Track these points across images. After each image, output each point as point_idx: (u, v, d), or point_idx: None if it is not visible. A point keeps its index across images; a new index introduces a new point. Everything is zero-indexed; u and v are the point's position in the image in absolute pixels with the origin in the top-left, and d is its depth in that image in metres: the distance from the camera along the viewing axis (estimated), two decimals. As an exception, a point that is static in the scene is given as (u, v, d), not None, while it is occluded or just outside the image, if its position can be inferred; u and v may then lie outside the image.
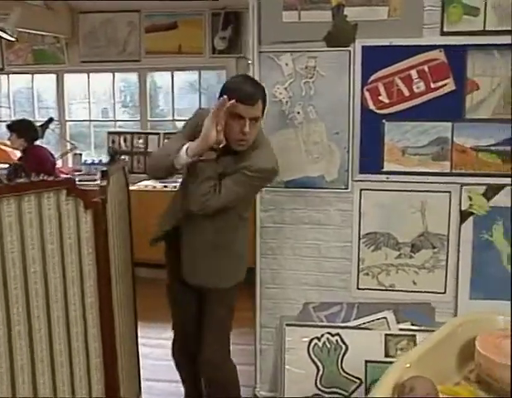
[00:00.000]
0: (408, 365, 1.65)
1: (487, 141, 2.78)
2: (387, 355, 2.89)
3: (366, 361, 2.99)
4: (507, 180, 2.80)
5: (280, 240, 3.06)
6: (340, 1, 2.77)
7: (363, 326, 3.03)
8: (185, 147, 2.27)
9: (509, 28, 2.69)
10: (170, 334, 2.88)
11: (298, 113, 2.93)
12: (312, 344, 3.05)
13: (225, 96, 2.18)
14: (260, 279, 3.11)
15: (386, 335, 2.94)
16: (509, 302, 2.86)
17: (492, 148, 2.78)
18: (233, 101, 2.18)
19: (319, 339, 3.05)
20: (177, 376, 2.95)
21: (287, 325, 3.05)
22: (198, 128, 2.30)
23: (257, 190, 2.70)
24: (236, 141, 2.32)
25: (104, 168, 2.58)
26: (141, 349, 3.24)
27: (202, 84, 6.13)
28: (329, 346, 3.04)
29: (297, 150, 2.97)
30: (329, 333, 3.04)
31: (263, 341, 3.17)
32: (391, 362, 2.10)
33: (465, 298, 2.93)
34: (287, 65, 2.90)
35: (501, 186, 2.81)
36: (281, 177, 2.96)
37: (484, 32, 2.72)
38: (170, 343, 2.89)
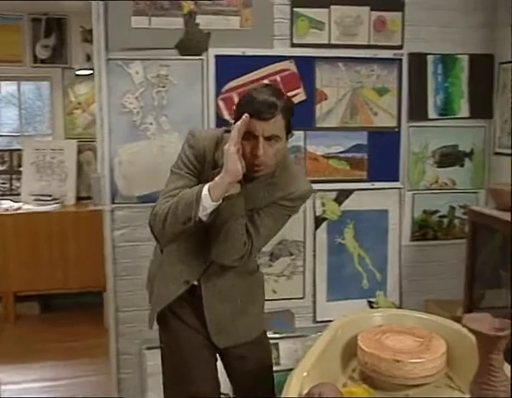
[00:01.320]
0: (305, 374, 1.62)
1: (336, 148, 2.93)
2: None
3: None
4: (355, 185, 2.97)
5: (136, 260, 2.86)
6: (191, 8, 2.70)
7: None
8: (205, 190, 1.70)
9: (351, 42, 2.88)
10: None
11: (151, 123, 2.78)
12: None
13: (247, 114, 1.68)
14: (115, 304, 2.88)
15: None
16: (364, 300, 3.10)
17: (341, 155, 2.93)
18: (246, 116, 1.68)
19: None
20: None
21: (148, 348, 2.86)
22: (209, 158, 1.85)
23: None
24: (248, 164, 1.75)
25: None
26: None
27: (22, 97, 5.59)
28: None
29: (150, 163, 2.81)
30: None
31: (123, 369, 2.92)
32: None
33: (322, 301, 3.03)
34: (137, 73, 2.73)
35: (350, 191, 2.97)
36: (133, 192, 2.79)
37: (329, 45, 2.87)
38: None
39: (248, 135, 1.71)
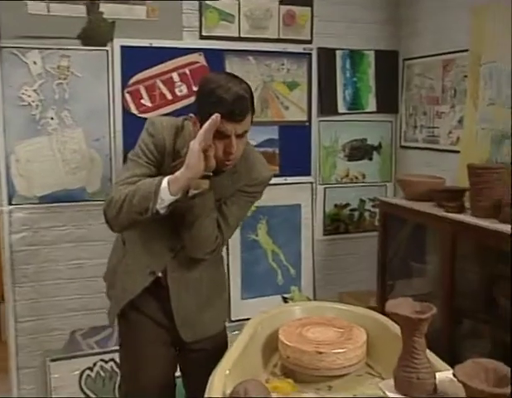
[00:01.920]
0: (227, 372, 1.56)
1: (251, 143, 2.86)
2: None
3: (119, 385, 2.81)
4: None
5: (37, 265, 2.66)
6: (94, -5, 2.55)
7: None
8: (164, 182, 1.64)
9: (261, 36, 2.86)
10: None
11: (52, 118, 2.60)
12: (84, 376, 2.74)
13: (218, 115, 1.58)
14: (15, 313, 2.65)
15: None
16: (279, 296, 3.08)
17: (255, 149, 2.88)
18: (216, 116, 1.59)
19: (91, 369, 2.76)
20: None
21: (52, 360, 2.67)
22: (169, 148, 1.77)
23: None
24: (220, 162, 1.71)
25: None
26: None
27: None
28: (103, 374, 2.77)
29: (51, 160, 2.62)
30: (102, 360, 2.78)
31: (24, 385, 2.70)
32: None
33: (237, 300, 2.97)
34: (35, 63, 2.54)
35: (264, 187, 2.94)
36: (33, 192, 2.60)
37: (239, 38, 2.83)
38: None
39: (219, 134, 1.65)
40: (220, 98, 1.62)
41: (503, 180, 2.08)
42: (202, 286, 1.96)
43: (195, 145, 1.61)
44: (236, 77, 1.73)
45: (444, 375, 1.42)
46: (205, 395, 1.48)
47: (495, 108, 2.45)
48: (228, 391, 1.46)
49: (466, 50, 2.62)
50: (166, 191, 1.64)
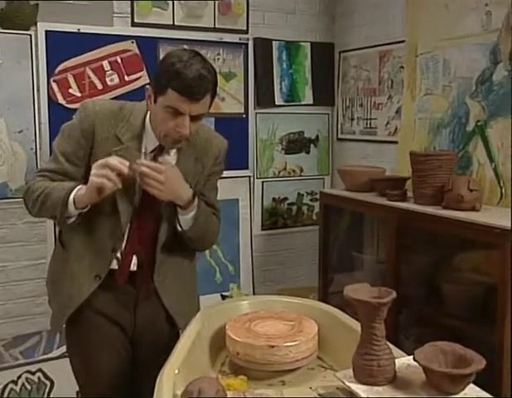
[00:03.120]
0: (176, 371, 1.45)
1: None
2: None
3: (77, 392, 2.63)
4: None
5: None
6: (12, -26, 2.36)
7: (70, 352, 2.65)
8: (71, 196, 1.59)
9: (197, 24, 2.77)
10: None
11: (-33, 108, 2.38)
12: (8, 390, 2.53)
13: (127, 164, 1.52)
14: None
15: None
16: (218, 294, 2.98)
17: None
18: (172, 92, 1.52)
19: (15, 382, 2.55)
20: None
21: None
22: (103, 134, 1.65)
23: None
24: (167, 137, 1.62)
25: None
26: None
27: None
28: (29, 387, 2.58)
29: (-32, 154, 2.40)
30: (28, 372, 2.58)
31: None
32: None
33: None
34: None
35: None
36: None
37: (173, 26, 2.72)
38: None
39: (173, 109, 1.56)
40: (179, 72, 1.52)
41: (444, 167, 2.10)
42: (185, 276, 1.91)
43: (104, 167, 1.52)
44: (202, 57, 1.61)
45: (400, 361, 1.39)
46: (155, 396, 1.37)
47: (432, 97, 2.48)
48: (178, 392, 1.36)
49: (403, 42, 2.65)
50: (72, 205, 1.60)
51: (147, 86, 1.63)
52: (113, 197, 1.65)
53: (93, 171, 1.55)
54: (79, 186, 1.62)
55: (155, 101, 1.58)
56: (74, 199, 1.60)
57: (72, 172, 1.68)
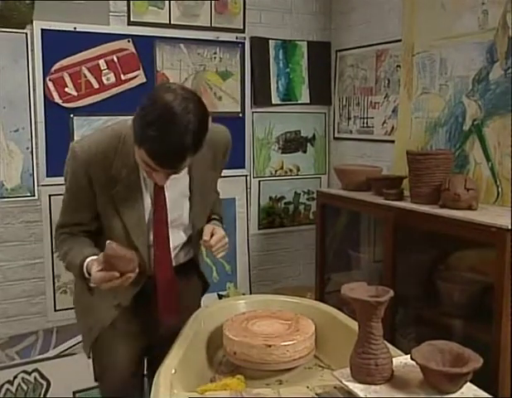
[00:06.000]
0: (173, 371, 1.45)
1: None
2: (97, 378, 2.58)
3: (74, 392, 2.64)
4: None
5: None
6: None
7: (65, 352, 2.65)
8: (85, 264, 1.57)
9: (193, 23, 2.76)
10: None
11: (-37, 106, 2.37)
12: (3, 391, 2.53)
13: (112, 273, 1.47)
14: None
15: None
16: (215, 294, 2.97)
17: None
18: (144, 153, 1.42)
19: (11, 383, 2.55)
20: None
21: None
22: (101, 178, 1.58)
23: None
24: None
25: None
26: None
27: None
28: (26, 387, 2.58)
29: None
30: (24, 372, 2.58)
31: None
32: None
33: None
34: None
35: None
36: None
37: (170, 25, 2.71)
38: None
39: (146, 164, 1.47)
40: (154, 139, 1.38)
41: (441, 166, 2.10)
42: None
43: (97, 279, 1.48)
44: (194, 109, 1.41)
45: (398, 360, 1.39)
46: (152, 396, 1.37)
47: (429, 96, 2.48)
48: (175, 391, 1.36)
49: (399, 41, 2.65)
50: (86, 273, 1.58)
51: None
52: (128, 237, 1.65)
53: (97, 275, 1.48)
54: (88, 261, 1.57)
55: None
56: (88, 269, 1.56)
57: (84, 220, 1.69)
